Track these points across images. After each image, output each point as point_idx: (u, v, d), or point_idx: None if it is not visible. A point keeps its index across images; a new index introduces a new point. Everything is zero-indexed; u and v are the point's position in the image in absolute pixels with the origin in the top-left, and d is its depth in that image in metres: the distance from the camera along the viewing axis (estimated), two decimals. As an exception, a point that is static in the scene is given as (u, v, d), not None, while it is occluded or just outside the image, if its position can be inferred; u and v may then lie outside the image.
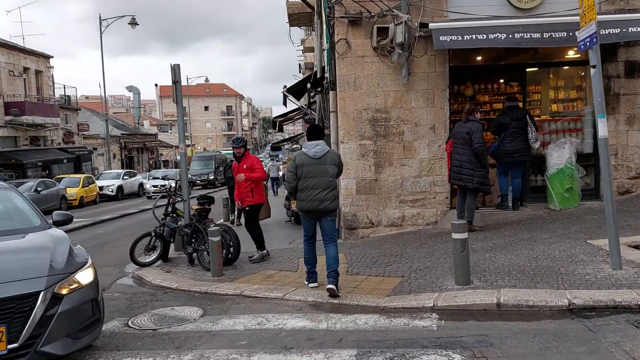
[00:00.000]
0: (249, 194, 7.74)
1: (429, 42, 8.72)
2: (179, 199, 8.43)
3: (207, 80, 59.99)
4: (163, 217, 8.39)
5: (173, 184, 9.48)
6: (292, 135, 45.89)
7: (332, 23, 9.15)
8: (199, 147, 70.82)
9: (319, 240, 6.02)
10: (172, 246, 8.58)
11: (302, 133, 37.46)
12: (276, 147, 39.10)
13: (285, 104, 14.14)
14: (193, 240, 7.86)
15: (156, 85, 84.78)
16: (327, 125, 14.95)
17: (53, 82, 34.07)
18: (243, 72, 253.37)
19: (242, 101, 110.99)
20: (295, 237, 10.37)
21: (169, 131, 67.87)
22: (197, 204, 7.97)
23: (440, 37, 8.08)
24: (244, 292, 6.23)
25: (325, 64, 10.88)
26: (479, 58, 9.99)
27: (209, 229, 7.09)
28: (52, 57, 33.05)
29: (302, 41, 32.91)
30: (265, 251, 7.95)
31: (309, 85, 10.40)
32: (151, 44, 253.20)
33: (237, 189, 7.93)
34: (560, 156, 8.62)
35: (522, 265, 5.98)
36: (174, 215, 8.46)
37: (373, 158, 9.02)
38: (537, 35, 7.74)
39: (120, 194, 27.30)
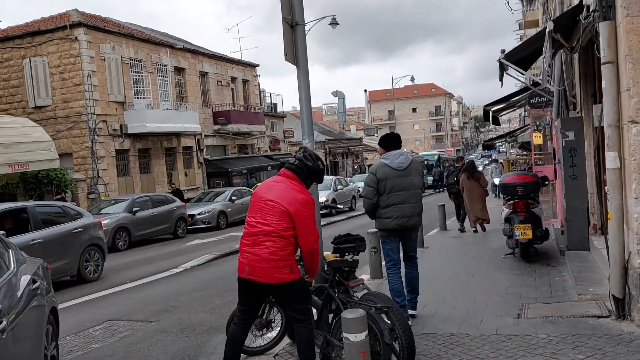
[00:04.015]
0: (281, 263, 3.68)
1: None
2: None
3: (412, 79, 56.24)
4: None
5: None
6: (507, 131, 39.35)
7: None
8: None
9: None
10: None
11: (522, 127, 30.98)
12: (489, 146, 33.78)
13: (501, 78, 9.50)
14: (331, 316, 4.20)
15: (365, 90, 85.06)
16: (573, 105, 9.80)
17: (260, 91, 34.69)
18: (453, 72, 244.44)
19: (452, 100, 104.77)
20: (527, 297, 5.88)
21: (375, 134, 66.42)
22: (333, 250, 4.21)
23: None
24: None
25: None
26: None
27: (343, 314, 3.32)
28: (258, 65, 33.59)
29: (524, 14, 27.07)
30: None
31: (550, 27, 5.72)
32: (365, 52, 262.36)
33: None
34: None
35: None
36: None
37: None
38: None
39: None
